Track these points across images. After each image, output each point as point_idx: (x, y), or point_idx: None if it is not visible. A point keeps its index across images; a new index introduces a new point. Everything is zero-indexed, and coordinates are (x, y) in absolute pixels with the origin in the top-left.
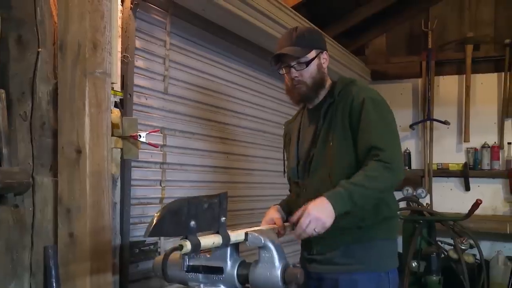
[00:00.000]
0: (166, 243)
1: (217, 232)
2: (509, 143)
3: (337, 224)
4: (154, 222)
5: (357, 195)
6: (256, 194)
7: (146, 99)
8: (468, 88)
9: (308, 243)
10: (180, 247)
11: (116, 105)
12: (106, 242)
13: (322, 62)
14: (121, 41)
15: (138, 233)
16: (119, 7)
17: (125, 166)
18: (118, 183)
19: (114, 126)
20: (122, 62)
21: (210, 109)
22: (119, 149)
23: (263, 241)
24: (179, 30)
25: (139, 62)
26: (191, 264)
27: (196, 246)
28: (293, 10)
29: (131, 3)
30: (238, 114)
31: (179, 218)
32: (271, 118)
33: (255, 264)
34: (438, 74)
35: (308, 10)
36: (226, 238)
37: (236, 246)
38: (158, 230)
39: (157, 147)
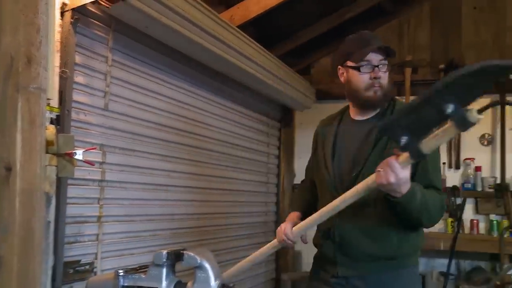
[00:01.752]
0: (103, 262)
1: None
2: (443, 163)
3: (366, 251)
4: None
5: (420, 197)
6: (200, 212)
7: (86, 115)
8: None
9: (332, 264)
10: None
11: (52, 122)
12: (36, 263)
13: (391, 77)
14: (60, 56)
15: (73, 252)
16: (58, 21)
17: (60, 184)
18: (53, 201)
19: (48, 143)
20: (61, 77)
21: (153, 126)
22: (54, 167)
23: (199, 261)
24: (122, 47)
25: (78, 78)
26: (126, 284)
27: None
28: (239, 30)
29: (71, 18)
30: (181, 131)
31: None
32: (215, 136)
33: (191, 284)
34: None
35: (255, 30)
36: None
37: (172, 266)
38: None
39: (93, 165)
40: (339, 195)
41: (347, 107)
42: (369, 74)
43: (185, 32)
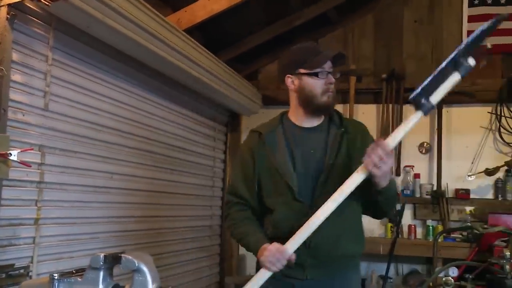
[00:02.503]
0: (39, 266)
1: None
2: None
3: (338, 251)
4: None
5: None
6: (142, 214)
7: (24, 115)
8: (351, 117)
9: (299, 268)
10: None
11: None
12: None
13: None
14: None
15: (7, 256)
16: None
17: None
18: None
19: None
20: None
21: (95, 127)
22: None
23: (136, 264)
24: (63, 46)
25: (16, 76)
26: None
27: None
28: (185, 34)
29: (7, 13)
30: (124, 133)
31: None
32: (160, 139)
33: (128, 287)
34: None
35: (202, 34)
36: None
37: (109, 269)
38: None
39: (30, 166)
40: (308, 202)
41: (282, 115)
42: (324, 80)
43: (129, 33)
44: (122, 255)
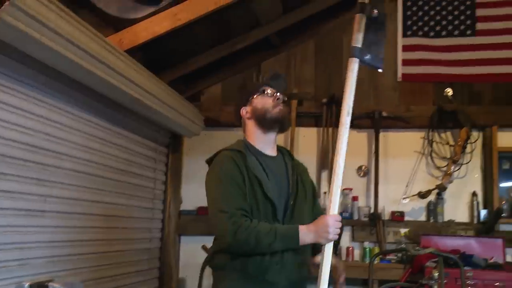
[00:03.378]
0: None
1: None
2: (324, 193)
3: (303, 274)
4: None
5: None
6: (79, 238)
7: None
8: (292, 140)
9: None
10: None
11: None
12: None
13: None
14: None
15: None
16: None
17: None
18: None
19: None
20: None
21: (26, 148)
22: None
23: None
24: None
25: None
26: None
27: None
28: (126, 54)
29: None
30: (59, 154)
31: None
32: (98, 160)
33: None
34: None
35: (144, 54)
36: (362, 52)
37: None
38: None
39: None
40: (283, 222)
41: (245, 141)
42: (271, 97)
43: (67, 54)
44: (49, 283)
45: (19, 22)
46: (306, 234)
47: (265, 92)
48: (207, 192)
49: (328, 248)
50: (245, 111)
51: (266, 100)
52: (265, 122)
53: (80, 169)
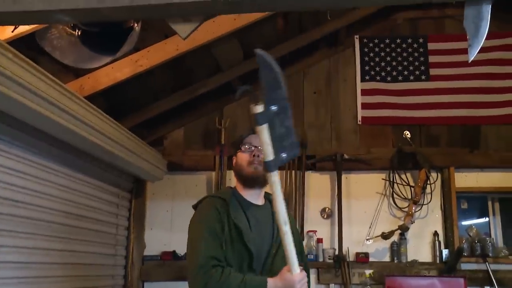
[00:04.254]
0: None
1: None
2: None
3: None
4: (270, 61)
5: None
6: None
7: None
8: None
9: None
10: (257, 102)
11: None
12: None
13: None
14: None
15: None
16: None
17: None
18: None
19: None
20: None
21: None
22: None
23: None
24: None
25: None
26: None
27: (261, 119)
28: (86, 101)
29: None
30: (14, 202)
31: (277, 89)
32: (56, 207)
33: None
34: (229, 168)
35: (105, 100)
36: (272, 165)
37: None
38: (264, 63)
39: None
40: (258, 271)
41: (232, 189)
42: (250, 153)
43: (25, 101)
44: None
45: None
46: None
47: (242, 148)
48: (188, 237)
49: None
50: (234, 161)
51: (243, 157)
52: (241, 179)
53: (37, 216)
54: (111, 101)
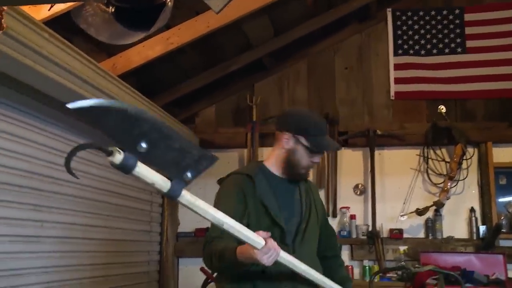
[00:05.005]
0: None
1: (170, 179)
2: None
3: None
4: (94, 103)
5: None
6: (76, 263)
7: None
8: None
9: None
10: (110, 152)
11: None
12: None
13: None
14: None
15: None
16: None
17: None
18: None
19: None
20: None
21: (23, 174)
22: None
23: None
24: None
25: None
26: None
27: (128, 167)
28: (119, 79)
29: None
30: (56, 180)
31: (133, 127)
32: (94, 184)
33: None
34: (261, 145)
35: (137, 79)
36: (174, 192)
37: None
38: (92, 112)
39: None
40: (291, 247)
41: (259, 164)
42: (313, 159)
43: (61, 80)
44: None
45: (13, 50)
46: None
47: (314, 153)
48: None
49: None
50: (287, 138)
51: (305, 158)
52: (288, 170)
53: (77, 194)
54: (142, 80)
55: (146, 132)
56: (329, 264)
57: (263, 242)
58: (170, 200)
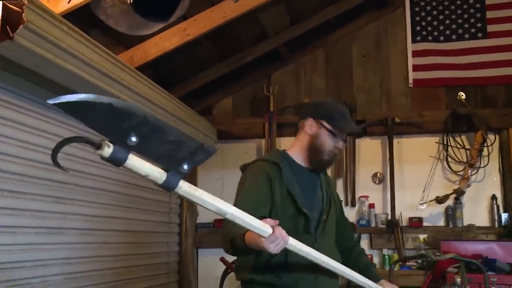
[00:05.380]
0: None
1: (166, 171)
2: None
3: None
4: (78, 98)
5: None
6: (97, 254)
7: None
8: None
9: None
10: (98, 145)
11: None
12: None
13: None
14: None
15: None
16: None
17: None
18: None
19: None
20: None
21: (46, 167)
22: None
23: None
24: (11, 86)
25: None
26: None
27: (118, 161)
28: (137, 71)
29: None
30: (77, 172)
31: (121, 121)
32: (113, 176)
33: None
34: (279, 135)
35: (154, 71)
36: (170, 183)
37: None
38: (76, 107)
39: None
40: (315, 235)
41: (283, 153)
42: (336, 142)
43: (79, 72)
44: None
45: (33, 44)
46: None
47: (337, 136)
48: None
49: None
50: (310, 124)
51: (329, 142)
52: (313, 156)
53: (98, 186)
54: (159, 71)
55: (135, 126)
56: (350, 254)
57: (270, 231)
58: (166, 191)
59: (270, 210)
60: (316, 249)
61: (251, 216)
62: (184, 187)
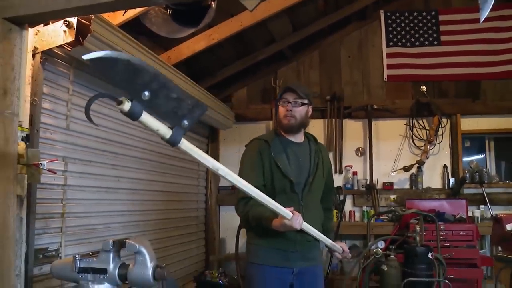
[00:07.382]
0: (66, 249)
1: (171, 128)
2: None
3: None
4: (104, 54)
5: None
6: (143, 208)
7: (51, 134)
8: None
9: (291, 242)
10: (120, 101)
11: (23, 139)
12: (11, 251)
13: (308, 111)
14: (31, 87)
15: (42, 241)
16: (30, 61)
17: (31, 188)
18: (25, 202)
19: (20, 156)
20: (31, 104)
21: (105, 142)
22: (24, 175)
23: (138, 248)
24: (81, 80)
25: (46, 104)
26: (81, 266)
27: (135, 114)
28: (174, 68)
29: (41, 58)
30: (127, 146)
31: (137, 76)
32: (154, 149)
33: (132, 266)
34: None
35: (186, 68)
36: (175, 137)
37: (117, 252)
38: (103, 63)
39: (55, 173)
40: (300, 195)
41: (275, 131)
42: (285, 108)
43: None
44: (126, 240)
45: (97, 48)
46: (276, 226)
47: (280, 103)
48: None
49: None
50: (275, 109)
51: (281, 110)
52: (280, 127)
53: (142, 156)
54: (190, 68)
55: (147, 82)
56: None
57: (290, 214)
58: (171, 146)
59: (263, 174)
60: (302, 206)
61: (279, 205)
62: (185, 143)
